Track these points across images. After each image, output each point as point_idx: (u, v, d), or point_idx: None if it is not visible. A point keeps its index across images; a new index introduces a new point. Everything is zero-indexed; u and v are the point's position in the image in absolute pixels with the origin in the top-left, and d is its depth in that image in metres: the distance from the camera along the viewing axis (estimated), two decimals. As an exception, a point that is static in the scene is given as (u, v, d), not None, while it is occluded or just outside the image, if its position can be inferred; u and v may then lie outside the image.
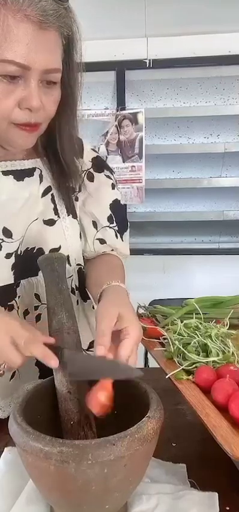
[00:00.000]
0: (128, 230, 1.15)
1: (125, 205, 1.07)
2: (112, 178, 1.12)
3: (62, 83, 0.89)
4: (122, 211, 1.14)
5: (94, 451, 0.60)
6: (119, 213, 1.11)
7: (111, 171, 1.14)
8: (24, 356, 0.74)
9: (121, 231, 1.11)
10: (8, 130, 0.86)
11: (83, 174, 1.07)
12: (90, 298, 1.11)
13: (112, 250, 1.10)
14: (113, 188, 1.11)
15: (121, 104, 2.42)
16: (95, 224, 1.08)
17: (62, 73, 0.87)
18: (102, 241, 1.08)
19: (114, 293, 0.88)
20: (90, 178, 1.08)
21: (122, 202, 1.14)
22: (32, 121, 0.85)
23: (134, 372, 0.71)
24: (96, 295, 0.92)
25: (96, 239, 1.08)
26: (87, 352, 1.11)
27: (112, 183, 1.12)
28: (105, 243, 1.08)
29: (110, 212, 1.09)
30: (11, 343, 0.73)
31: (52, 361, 0.72)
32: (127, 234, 1.14)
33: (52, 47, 0.82)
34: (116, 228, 1.10)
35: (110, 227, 1.09)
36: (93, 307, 1.13)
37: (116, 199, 1.11)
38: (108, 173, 1.12)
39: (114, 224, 1.09)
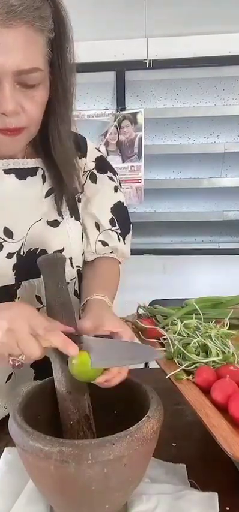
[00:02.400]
0: (131, 232, 1.14)
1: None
2: (115, 180, 1.10)
3: (54, 82, 0.86)
4: (125, 214, 1.12)
5: (94, 451, 0.60)
6: (121, 216, 1.10)
7: (114, 172, 1.12)
8: (43, 348, 0.71)
9: (123, 234, 1.10)
10: None
11: (86, 175, 1.06)
12: None
13: (112, 252, 1.08)
14: (115, 191, 1.09)
15: (120, 104, 2.42)
16: (97, 226, 1.06)
17: (54, 72, 0.84)
18: (104, 244, 1.07)
19: (96, 308, 0.87)
20: (93, 179, 1.07)
21: (124, 204, 1.12)
22: (12, 126, 0.81)
23: (155, 354, 0.72)
24: (80, 305, 0.93)
25: (99, 241, 1.06)
26: None
27: (115, 186, 1.10)
28: (108, 245, 1.07)
29: (112, 215, 1.08)
30: (30, 332, 0.71)
31: (70, 348, 0.70)
32: (129, 236, 1.13)
33: (24, 45, 0.75)
34: (119, 230, 1.08)
35: (113, 230, 1.07)
36: None
37: (119, 201, 1.10)
38: (111, 175, 1.10)
39: (117, 227, 1.08)
